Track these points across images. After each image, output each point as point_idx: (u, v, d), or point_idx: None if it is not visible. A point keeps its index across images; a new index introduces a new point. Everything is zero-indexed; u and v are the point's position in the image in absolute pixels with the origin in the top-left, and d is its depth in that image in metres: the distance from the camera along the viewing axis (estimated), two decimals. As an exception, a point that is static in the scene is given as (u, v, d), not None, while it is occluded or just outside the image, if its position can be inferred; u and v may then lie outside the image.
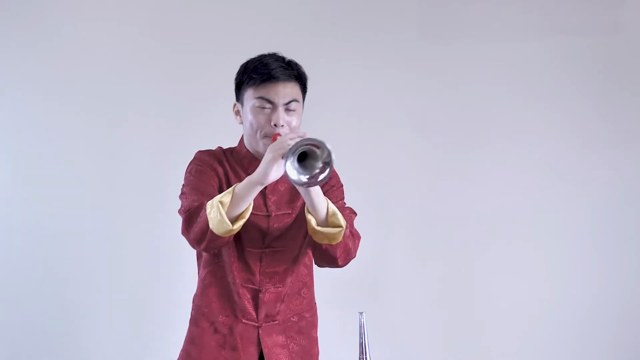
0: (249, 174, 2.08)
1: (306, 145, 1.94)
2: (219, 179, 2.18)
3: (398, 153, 3.85)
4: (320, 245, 2.13)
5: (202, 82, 3.74)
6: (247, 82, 2.16)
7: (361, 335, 2.16)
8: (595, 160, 3.85)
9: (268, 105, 2.14)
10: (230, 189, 2.04)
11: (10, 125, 3.75)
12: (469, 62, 3.87)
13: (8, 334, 3.68)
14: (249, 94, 2.17)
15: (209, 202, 2.03)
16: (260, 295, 2.16)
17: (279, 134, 2.10)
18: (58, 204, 3.71)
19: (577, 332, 3.79)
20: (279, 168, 2.00)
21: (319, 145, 1.95)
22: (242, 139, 2.26)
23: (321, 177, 1.96)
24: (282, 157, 1.97)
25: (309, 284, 2.27)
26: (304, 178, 1.96)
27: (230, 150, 2.27)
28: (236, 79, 2.23)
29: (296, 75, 2.19)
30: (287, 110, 2.15)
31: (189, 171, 2.20)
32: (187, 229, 2.09)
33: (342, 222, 2.11)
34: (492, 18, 3.89)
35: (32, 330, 3.67)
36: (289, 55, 2.28)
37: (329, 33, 3.86)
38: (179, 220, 2.17)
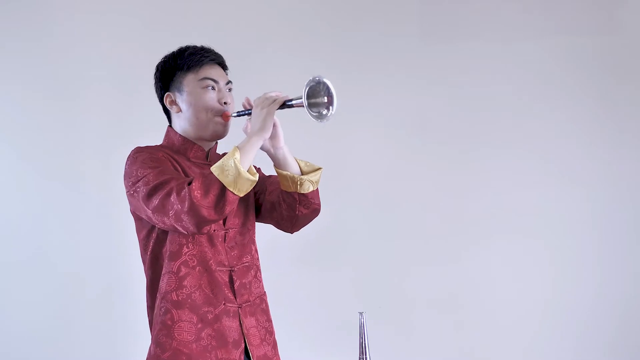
0: (191, 159, 2.19)
1: (310, 87, 2.07)
2: (172, 164, 2.18)
3: (398, 153, 3.85)
4: (305, 197, 2.20)
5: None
6: (187, 68, 2.22)
7: (361, 335, 2.17)
8: (596, 160, 3.84)
9: (213, 85, 2.23)
10: (232, 149, 2.04)
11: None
12: (469, 62, 3.87)
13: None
14: (190, 79, 2.22)
15: (214, 167, 2.00)
16: (234, 276, 2.19)
17: (227, 112, 2.21)
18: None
19: (580, 332, 3.78)
20: (272, 122, 2.10)
21: (315, 82, 2.09)
22: (168, 132, 2.27)
23: (333, 100, 2.13)
24: (279, 107, 2.08)
25: (260, 268, 2.32)
26: (324, 111, 2.13)
27: (160, 146, 2.27)
28: (165, 69, 2.26)
29: (225, 64, 2.30)
30: (228, 90, 2.26)
31: (141, 161, 2.12)
32: (204, 195, 1.95)
33: (316, 164, 2.23)
34: (492, 18, 3.89)
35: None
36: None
37: (329, 33, 3.85)
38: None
